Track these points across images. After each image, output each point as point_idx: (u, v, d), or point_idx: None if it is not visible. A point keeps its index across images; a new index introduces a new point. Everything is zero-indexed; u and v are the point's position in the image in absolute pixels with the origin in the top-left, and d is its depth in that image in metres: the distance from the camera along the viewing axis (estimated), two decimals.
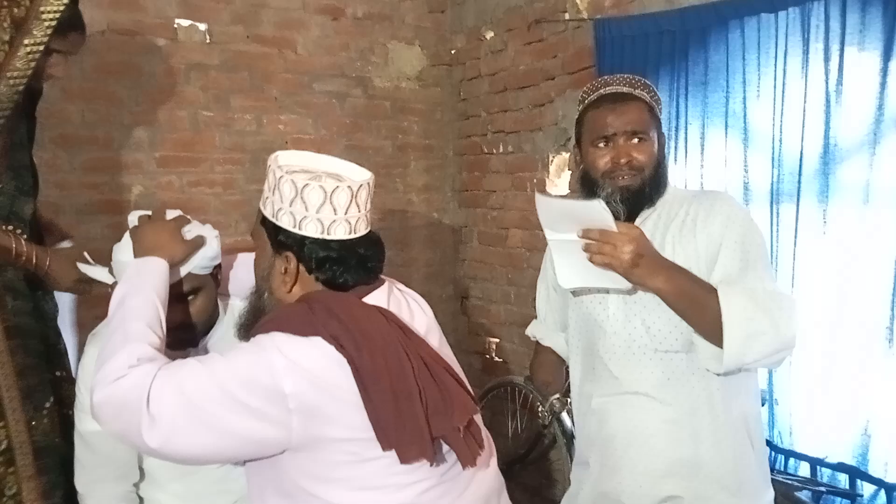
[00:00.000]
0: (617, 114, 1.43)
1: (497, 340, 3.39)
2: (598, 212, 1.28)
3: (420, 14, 3.42)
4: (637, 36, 2.39)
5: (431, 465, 1.06)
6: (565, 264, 1.39)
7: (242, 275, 1.45)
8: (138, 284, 1.20)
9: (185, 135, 2.88)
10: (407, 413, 1.04)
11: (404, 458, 1.04)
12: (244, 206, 2.97)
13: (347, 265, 1.15)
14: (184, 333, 1.35)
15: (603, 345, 1.49)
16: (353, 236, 1.15)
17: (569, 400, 2.59)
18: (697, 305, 1.32)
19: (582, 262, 1.32)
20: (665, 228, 1.45)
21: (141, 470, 1.40)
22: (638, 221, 1.46)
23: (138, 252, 1.27)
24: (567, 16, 2.78)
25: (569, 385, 2.57)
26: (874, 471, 1.81)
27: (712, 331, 1.31)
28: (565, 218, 1.33)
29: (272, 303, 1.18)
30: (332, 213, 1.13)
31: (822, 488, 1.81)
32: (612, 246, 1.28)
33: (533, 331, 1.80)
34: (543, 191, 3.04)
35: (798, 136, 1.93)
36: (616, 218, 1.42)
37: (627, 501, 1.45)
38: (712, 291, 1.31)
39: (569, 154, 2.87)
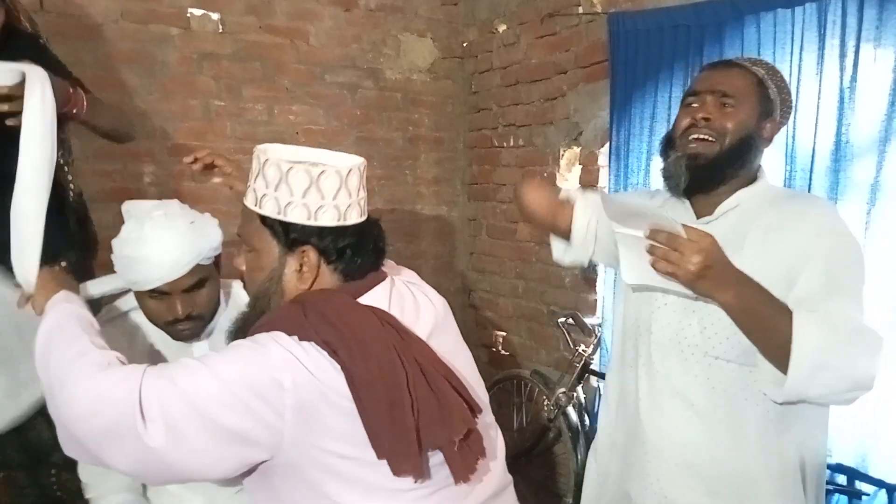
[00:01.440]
0: (715, 74, 1.35)
1: (504, 334, 3.39)
2: (664, 218, 1.18)
3: (433, 6, 3.41)
4: (652, 30, 2.37)
5: (418, 480, 1.01)
6: (631, 258, 1.28)
7: None
8: (59, 322, 1.16)
9: (197, 124, 2.90)
10: (400, 423, 0.99)
11: (396, 471, 1.00)
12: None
13: (365, 250, 1.12)
14: (193, 324, 1.36)
15: (650, 333, 1.38)
16: (363, 219, 1.13)
17: (574, 394, 2.61)
18: (767, 326, 1.19)
19: (647, 260, 1.21)
20: (747, 228, 1.30)
21: None
22: (717, 214, 1.35)
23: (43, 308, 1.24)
24: (581, 9, 2.76)
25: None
26: (874, 471, 1.80)
27: (779, 355, 1.18)
28: (633, 214, 1.24)
29: (280, 305, 1.12)
30: (347, 197, 1.09)
31: (829, 486, 1.81)
32: (678, 254, 1.16)
33: (572, 195, 1.63)
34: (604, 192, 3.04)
35: (811, 133, 1.92)
36: (675, 187, 1.36)
37: None
38: (786, 313, 1.17)
39: (580, 148, 2.86)
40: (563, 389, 2.62)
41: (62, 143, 1.82)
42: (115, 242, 1.33)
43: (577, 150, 2.88)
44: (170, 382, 0.98)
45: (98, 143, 2.70)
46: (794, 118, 1.96)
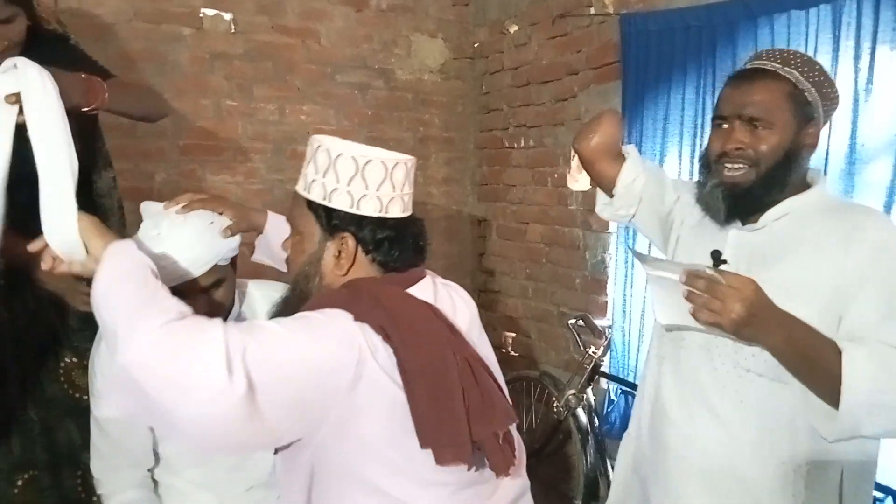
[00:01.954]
0: (740, 93, 1.24)
1: (514, 335, 3.38)
2: (700, 268, 1.13)
3: (443, 6, 3.41)
4: (663, 31, 2.36)
5: (469, 469, 1.02)
6: (665, 299, 1.23)
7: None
8: (130, 263, 1.04)
9: (209, 123, 2.91)
10: (447, 413, 1.00)
11: (440, 460, 1.00)
12: (265, 194, 3.00)
13: (404, 244, 1.13)
14: None
15: (682, 339, 1.33)
16: (406, 214, 1.13)
17: (584, 396, 2.60)
18: (816, 366, 1.13)
19: (682, 301, 1.15)
20: (795, 238, 1.23)
21: (157, 455, 1.41)
22: (763, 222, 1.27)
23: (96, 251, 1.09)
24: (592, 10, 2.75)
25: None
26: (882, 478, 1.78)
27: (829, 394, 1.12)
28: (666, 262, 1.21)
29: (320, 289, 1.13)
30: (390, 189, 1.10)
31: None
32: (719, 303, 1.09)
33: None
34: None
35: (824, 136, 1.90)
36: (715, 216, 1.29)
37: None
38: (835, 351, 1.11)
39: None
40: (572, 391, 2.61)
41: (91, 131, 1.85)
42: (133, 240, 1.33)
43: None
44: (255, 340, 0.93)
45: (110, 143, 2.72)
46: None
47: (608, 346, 2.61)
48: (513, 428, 1.16)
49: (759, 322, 1.11)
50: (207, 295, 1.34)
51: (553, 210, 3.07)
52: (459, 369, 1.03)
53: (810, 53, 1.93)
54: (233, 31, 2.91)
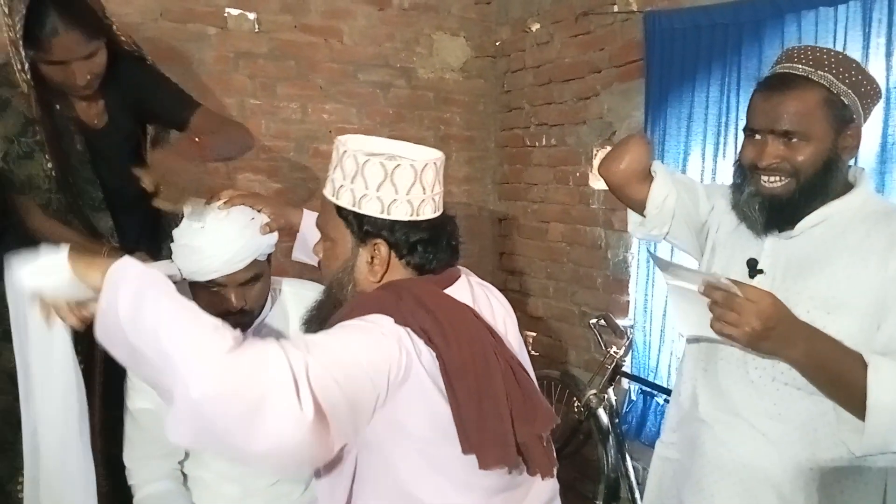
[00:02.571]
0: (771, 105, 1.18)
1: (534, 334, 3.37)
2: (714, 276, 1.12)
3: (466, 5, 3.41)
4: (688, 29, 2.34)
5: (511, 472, 1.01)
6: (684, 311, 1.23)
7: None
8: (148, 285, 0.95)
9: None
10: (491, 415, 0.99)
11: (484, 463, 0.98)
12: (288, 193, 3.02)
13: (439, 246, 1.11)
14: (242, 318, 1.39)
15: (718, 351, 1.30)
16: (437, 214, 1.12)
17: (605, 396, 2.59)
18: (840, 381, 1.11)
19: (702, 312, 1.14)
20: (833, 246, 1.19)
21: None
22: (800, 229, 1.23)
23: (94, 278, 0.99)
24: (616, 8, 2.74)
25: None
26: None
27: (856, 408, 1.10)
28: (685, 270, 1.19)
29: (354, 295, 1.12)
30: (420, 192, 1.08)
31: None
32: (735, 315, 1.08)
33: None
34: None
35: None
36: (752, 226, 1.26)
37: None
38: (861, 365, 1.08)
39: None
40: (593, 391, 2.60)
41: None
42: (175, 232, 1.38)
43: (610, 150, 2.85)
44: (315, 361, 0.90)
45: None
46: None
47: (630, 346, 2.60)
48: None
49: (777, 336, 1.09)
50: (245, 289, 1.37)
51: (574, 209, 3.06)
52: (502, 371, 1.02)
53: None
54: (257, 30, 2.93)
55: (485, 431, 0.98)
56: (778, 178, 1.20)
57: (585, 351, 3.03)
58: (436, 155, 1.12)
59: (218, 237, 1.32)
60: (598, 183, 2.91)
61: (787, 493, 1.22)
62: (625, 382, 2.73)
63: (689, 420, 1.39)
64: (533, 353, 3.36)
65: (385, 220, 1.07)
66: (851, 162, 1.32)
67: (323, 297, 1.16)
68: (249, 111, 2.96)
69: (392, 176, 1.06)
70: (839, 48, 1.90)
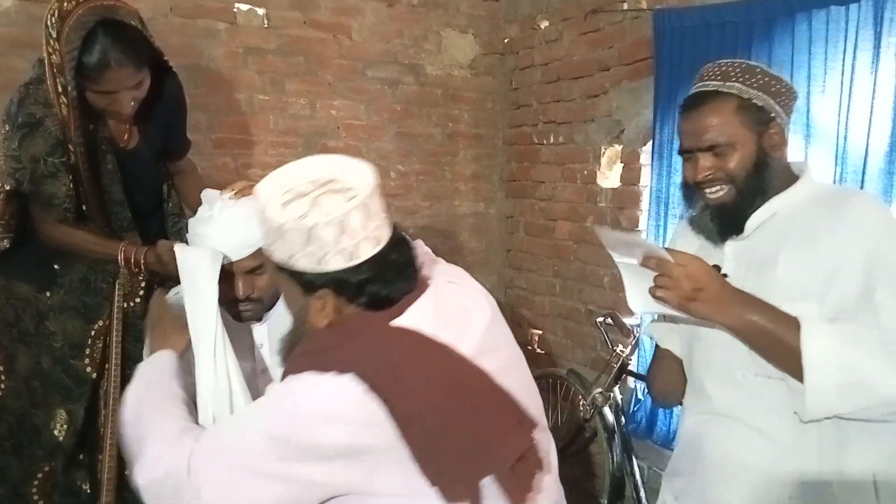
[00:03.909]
0: (692, 123, 1.27)
1: (540, 332, 3.37)
2: (650, 244, 1.20)
3: (474, 2, 3.41)
4: (698, 27, 2.33)
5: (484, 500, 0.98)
6: (634, 287, 1.27)
7: None
8: (149, 380, 1.24)
9: (241, 118, 2.94)
10: (452, 451, 0.96)
11: (449, 498, 0.96)
12: None
13: (386, 279, 1.03)
14: (253, 306, 1.42)
15: (702, 357, 1.33)
16: (379, 247, 1.03)
17: (611, 395, 2.59)
18: (777, 346, 1.14)
19: (650, 284, 1.20)
20: (786, 236, 1.23)
21: None
22: (748, 230, 1.28)
23: (150, 346, 1.36)
24: (626, 6, 2.73)
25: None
26: None
27: (799, 374, 1.12)
28: (626, 245, 1.24)
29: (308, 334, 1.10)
30: (350, 239, 0.99)
31: None
32: (667, 279, 1.15)
33: (651, 330, 1.56)
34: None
35: (864, 134, 1.87)
36: (710, 237, 1.31)
37: None
38: (796, 329, 1.12)
39: (621, 147, 2.83)
40: (599, 389, 2.59)
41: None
42: (190, 221, 1.46)
43: (618, 148, 2.85)
44: (218, 451, 1.02)
45: None
46: (847, 119, 1.91)
47: (636, 345, 2.59)
48: (544, 440, 1.12)
49: (708, 298, 1.14)
50: (252, 277, 1.41)
51: (582, 207, 3.05)
52: (459, 402, 0.97)
53: (850, 50, 1.90)
54: (266, 25, 2.94)
55: (445, 468, 0.96)
56: (718, 187, 1.27)
57: (592, 349, 3.03)
58: (362, 194, 1.01)
59: (225, 225, 1.37)
60: (605, 181, 2.91)
61: (790, 488, 1.23)
62: (631, 381, 2.73)
63: (684, 430, 1.41)
64: (539, 351, 3.36)
65: (322, 272, 1.01)
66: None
67: (288, 333, 1.15)
68: (258, 107, 2.97)
69: (313, 236, 0.99)
70: (850, 47, 1.89)
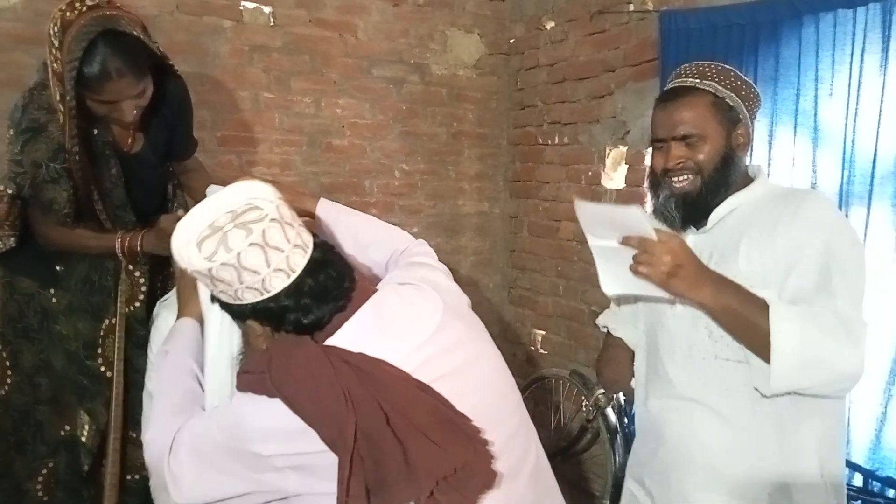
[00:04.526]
0: (667, 114, 1.35)
1: (543, 332, 3.37)
2: (637, 219, 1.22)
3: (480, 2, 3.40)
4: (704, 29, 2.33)
5: None
6: (607, 270, 1.34)
7: (375, 256, 1.39)
8: (172, 348, 1.34)
9: (246, 115, 2.94)
10: (371, 479, 0.96)
11: None
12: (300, 187, 3.02)
13: (308, 307, 1.03)
14: None
15: (664, 343, 1.42)
16: (293, 277, 1.02)
17: (614, 396, 2.59)
18: (747, 324, 1.22)
19: (623, 268, 1.26)
20: (743, 233, 1.32)
21: None
22: (711, 223, 1.37)
23: (178, 311, 1.44)
24: (632, 7, 2.73)
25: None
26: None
27: (763, 351, 1.21)
28: (606, 224, 1.28)
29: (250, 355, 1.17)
30: (254, 275, 1.00)
31: (880, 500, 1.76)
32: (649, 255, 1.21)
33: (604, 320, 1.67)
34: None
35: (872, 137, 1.86)
36: (672, 225, 1.37)
37: None
38: (765, 310, 1.20)
39: (626, 148, 2.83)
40: (602, 390, 2.59)
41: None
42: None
43: (623, 149, 2.85)
44: (189, 442, 1.11)
45: None
46: (854, 122, 1.90)
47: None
48: (532, 440, 1.17)
49: (686, 275, 1.21)
50: None
51: None
52: (367, 430, 0.95)
53: (857, 53, 1.89)
54: (272, 24, 2.94)
55: (371, 493, 0.96)
56: (686, 176, 1.35)
57: (595, 350, 3.02)
58: (269, 209, 1.01)
59: None
60: (610, 182, 2.91)
61: (753, 469, 1.31)
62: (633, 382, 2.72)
63: (644, 414, 1.49)
64: (542, 351, 3.36)
65: (242, 304, 1.04)
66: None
67: (241, 347, 1.24)
68: (263, 105, 2.97)
69: (215, 277, 1.01)
70: (858, 50, 1.89)
